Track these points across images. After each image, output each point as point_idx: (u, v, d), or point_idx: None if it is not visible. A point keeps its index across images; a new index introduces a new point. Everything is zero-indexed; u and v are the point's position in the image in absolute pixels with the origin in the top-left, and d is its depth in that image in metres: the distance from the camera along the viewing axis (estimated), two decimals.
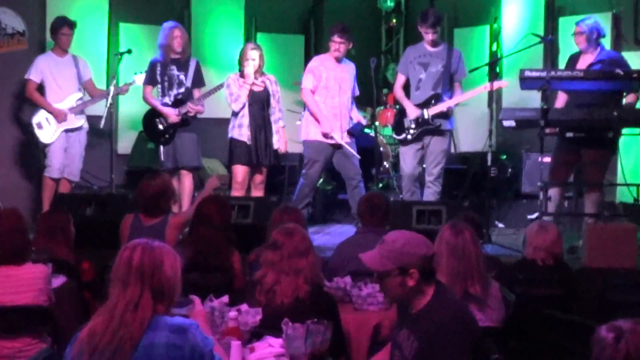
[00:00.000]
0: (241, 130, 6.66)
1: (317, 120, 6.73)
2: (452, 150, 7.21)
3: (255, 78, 6.66)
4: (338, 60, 6.84)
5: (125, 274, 2.59)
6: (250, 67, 6.61)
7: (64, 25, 7.00)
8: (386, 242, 2.98)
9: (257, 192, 6.78)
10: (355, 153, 6.80)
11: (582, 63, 6.04)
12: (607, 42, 7.47)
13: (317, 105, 6.73)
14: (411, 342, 2.91)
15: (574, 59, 6.19)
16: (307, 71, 6.86)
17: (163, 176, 5.04)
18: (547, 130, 6.20)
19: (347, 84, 6.84)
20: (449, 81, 6.61)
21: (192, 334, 2.59)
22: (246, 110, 6.65)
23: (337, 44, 6.76)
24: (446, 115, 6.60)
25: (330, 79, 6.79)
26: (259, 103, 6.70)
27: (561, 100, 6.17)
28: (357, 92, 7.03)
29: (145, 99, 6.99)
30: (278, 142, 6.76)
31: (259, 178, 6.79)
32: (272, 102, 6.76)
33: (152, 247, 2.65)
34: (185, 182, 6.92)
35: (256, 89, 6.69)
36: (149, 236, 2.80)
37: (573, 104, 5.81)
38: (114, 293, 2.60)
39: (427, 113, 6.56)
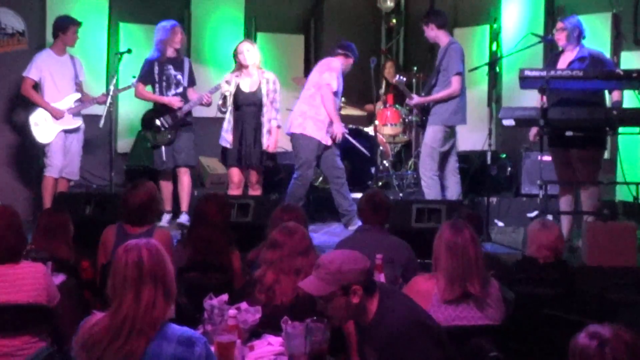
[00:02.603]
0: (225, 135, 6.73)
1: (332, 120, 6.76)
2: None
3: (251, 74, 6.69)
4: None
5: (137, 278, 2.53)
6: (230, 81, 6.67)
7: (74, 24, 6.99)
8: (322, 265, 2.93)
9: (254, 192, 6.79)
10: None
11: (563, 61, 6.03)
12: (606, 42, 7.51)
13: (337, 108, 6.85)
14: (372, 356, 2.90)
15: (554, 57, 6.20)
16: (334, 70, 6.83)
17: (147, 185, 4.72)
18: (531, 137, 6.26)
19: None
20: (445, 79, 6.63)
21: (200, 348, 2.55)
22: (228, 115, 6.71)
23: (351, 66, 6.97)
24: (427, 110, 6.72)
25: (341, 85, 6.90)
26: (252, 104, 6.69)
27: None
28: None
29: (140, 95, 7.01)
30: (267, 142, 6.70)
31: (253, 178, 6.79)
32: (265, 101, 6.70)
33: (154, 246, 2.61)
34: (184, 181, 6.94)
35: (246, 89, 6.68)
36: None
37: (553, 102, 5.79)
38: (126, 301, 2.52)
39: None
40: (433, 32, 6.76)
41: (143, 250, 2.57)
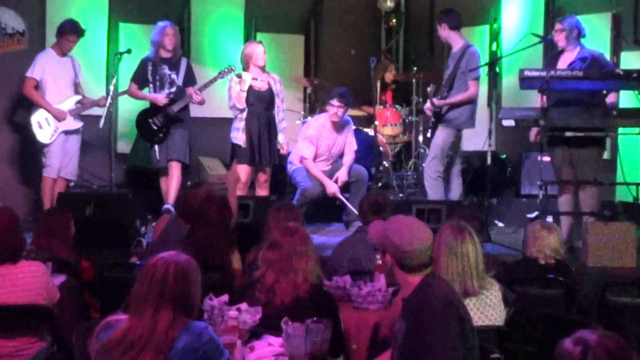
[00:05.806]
0: (237, 134, 6.70)
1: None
2: None
3: (255, 78, 6.66)
4: (334, 125, 6.96)
5: (158, 296, 2.59)
6: (248, 75, 6.62)
7: (72, 32, 6.93)
8: (389, 219, 3.09)
9: (262, 191, 6.81)
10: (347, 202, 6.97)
11: (563, 62, 6.02)
12: (606, 42, 7.50)
13: (319, 171, 6.92)
14: (402, 327, 2.93)
15: (554, 58, 6.19)
16: (306, 139, 6.95)
17: (207, 186, 4.90)
18: (532, 137, 6.25)
19: (337, 149, 7.05)
20: (462, 82, 6.60)
21: (207, 333, 2.64)
22: (244, 114, 6.67)
23: (335, 108, 6.88)
24: (439, 112, 6.69)
25: (323, 147, 6.99)
26: (263, 103, 6.71)
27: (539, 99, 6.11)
28: (355, 147, 7.14)
29: (131, 94, 7.04)
30: (282, 142, 6.79)
31: (263, 177, 6.82)
32: (277, 101, 6.76)
33: (184, 266, 2.66)
34: (174, 173, 6.88)
35: (258, 87, 6.68)
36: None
37: (552, 102, 5.78)
38: (143, 320, 2.58)
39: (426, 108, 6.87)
40: (445, 33, 6.72)
41: (170, 269, 2.62)
